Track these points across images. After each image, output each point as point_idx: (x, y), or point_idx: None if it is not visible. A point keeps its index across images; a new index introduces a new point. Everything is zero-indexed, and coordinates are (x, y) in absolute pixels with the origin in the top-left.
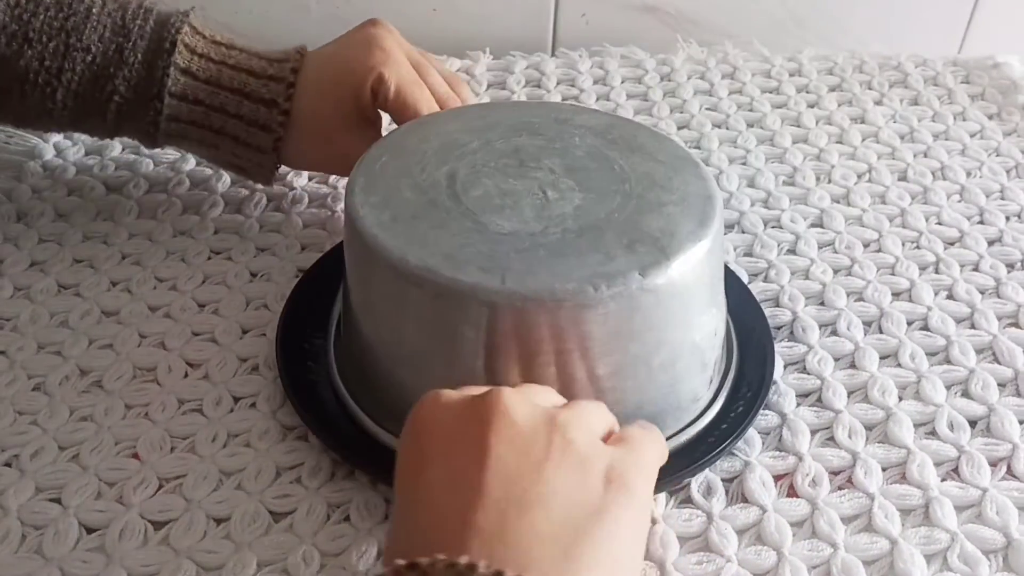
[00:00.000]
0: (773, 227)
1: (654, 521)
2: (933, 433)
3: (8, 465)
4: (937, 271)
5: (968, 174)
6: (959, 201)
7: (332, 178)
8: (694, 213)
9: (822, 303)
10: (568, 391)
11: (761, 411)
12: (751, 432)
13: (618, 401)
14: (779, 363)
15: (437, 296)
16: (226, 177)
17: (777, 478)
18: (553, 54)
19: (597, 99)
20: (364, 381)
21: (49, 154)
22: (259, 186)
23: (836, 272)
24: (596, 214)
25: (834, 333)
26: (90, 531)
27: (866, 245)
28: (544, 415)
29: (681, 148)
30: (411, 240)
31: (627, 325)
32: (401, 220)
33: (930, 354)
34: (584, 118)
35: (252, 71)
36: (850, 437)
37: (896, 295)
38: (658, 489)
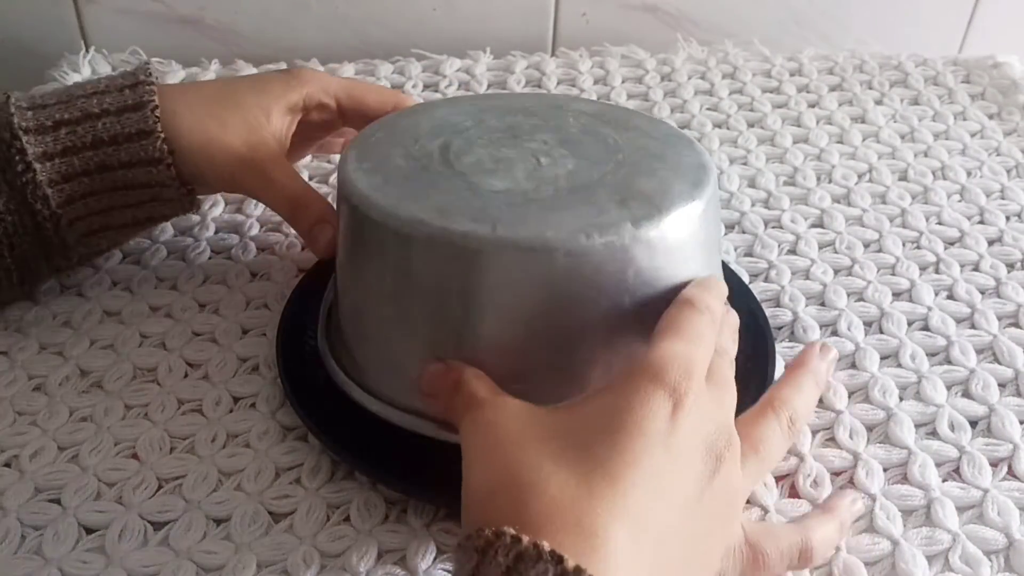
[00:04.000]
0: (774, 227)
1: None
2: (934, 433)
3: (8, 465)
4: (937, 271)
5: (968, 174)
6: (959, 201)
7: (332, 178)
8: (687, 177)
9: (823, 303)
10: (561, 344)
11: None
12: None
13: (611, 358)
14: (780, 363)
15: (426, 246)
16: None
17: (778, 479)
18: (553, 54)
19: (597, 99)
20: (353, 348)
21: None
22: None
23: (837, 272)
24: (589, 176)
25: (835, 333)
26: (90, 532)
27: (866, 245)
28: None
29: (675, 129)
30: (402, 197)
31: (620, 277)
32: (393, 182)
33: (931, 354)
34: (580, 105)
35: (98, 86)
36: (851, 438)
37: (896, 295)
38: None
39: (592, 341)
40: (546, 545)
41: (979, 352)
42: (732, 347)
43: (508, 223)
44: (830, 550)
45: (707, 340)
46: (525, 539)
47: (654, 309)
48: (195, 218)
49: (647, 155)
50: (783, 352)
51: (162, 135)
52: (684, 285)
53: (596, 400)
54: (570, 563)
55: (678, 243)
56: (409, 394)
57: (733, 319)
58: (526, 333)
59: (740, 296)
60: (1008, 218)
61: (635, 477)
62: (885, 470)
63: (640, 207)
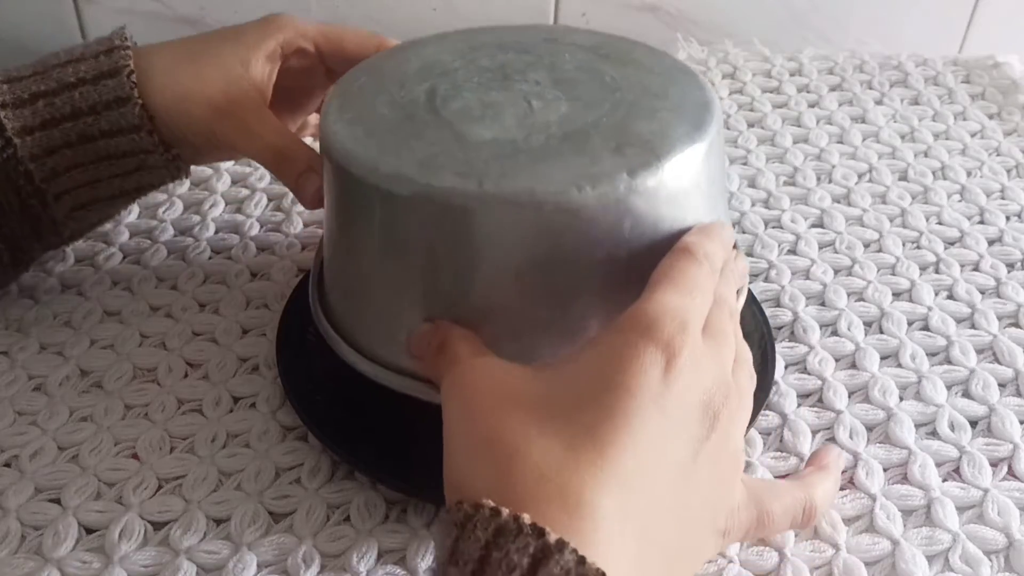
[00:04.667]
0: (774, 227)
1: None
2: (934, 433)
3: (8, 465)
4: (937, 271)
5: (968, 174)
6: (959, 201)
7: None
8: (689, 117)
9: (823, 303)
10: (557, 302)
11: (762, 412)
12: (752, 433)
13: (610, 313)
14: (780, 363)
15: (410, 204)
16: (227, 176)
17: (778, 479)
18: None
19: None
20: (343, 308)
21: None
22: (260, 185)
23: (837, 272)
24: (583, 120)
25: (835, 333)
26: (90, 532)
27: (866, 245)
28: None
29: (679, 62)
30: (384, 151)
31: (616, 230)
32: (375, 134)
33: (931, 354)
34: (576, 37)
35: (73, 54)
36: (851, 437)
37: (896, 295)
38: None
39: (589, 297)
40: (527, 518)
41: (979, 352)
42: (732, 296)
43: (495, 177)
44: (829, 506)
45: (705, 291)
46: (504, 512)
47: (655, 260)
48: (195, 218)
49: (647, 93)
50: (783, 352)
51: (140, 101)
52: (686, 233)
53: (584, 358)
54: (552, 537)
55: (679, 191)
56: (400, 355)
57: (740, 266)
58: (519, 291)
59: None
60: (1008, 218)
61: (624, 441)
62: (885, 470)
63: (637, 154)
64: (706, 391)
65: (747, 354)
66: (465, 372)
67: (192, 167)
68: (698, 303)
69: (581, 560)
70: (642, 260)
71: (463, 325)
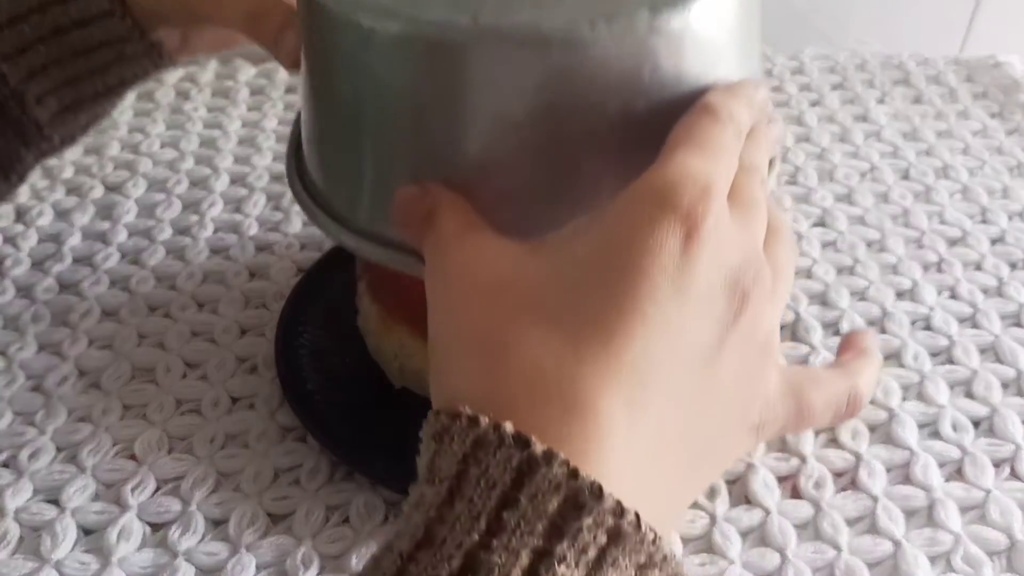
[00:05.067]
0: None
1: None
2: (936, 434)
3: (6, 466)
4: (939, 271)
5: (970, 173)
6: (961, 200)
7: None
8: None
9: (824, 303)
10: (561, 161)
11: None
12: None
13: (622, 177)
14: (781, 364)
15: (394, 43)
16: (226, 176)
17: (780, 479)
18: None
19: None
20: (326, 179)
21: None
22: (259, 185)
23: (838, 272)
24: None
25: (837, 333)
26: (88, 532)
27: (868, 245)
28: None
29: None
30: None
31: (634, 76)
32: None
33: (933, 354)
34: None
35: None
36: (853, 438)
37: (899, 295)
38: None
39: (600, 156)
40: (509, 427)
41: (982, 352)
42: (763, 163)
43: (493, 10)
44: (872, 394)
45: (730, 153)
46: (484, 421)
47: (677, 118)
48: (194, 217)
49: None
50: (784, 352)
51: None
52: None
53: (589, 232)
54: (538, 447)
55: (707, 38)
56: (386, 224)
57: (773, 132)
58: (518, 147)
59: None
60: (1010, 217)
61: (635, 330)
62: (887, 471)
63: None
64: (733, 268)
65: (783, 224)
66: (451, 250)
67: (193, 167)
68: (722, 167)
69: (573, 473)
70: (662, 116)
71: (454, 188)
